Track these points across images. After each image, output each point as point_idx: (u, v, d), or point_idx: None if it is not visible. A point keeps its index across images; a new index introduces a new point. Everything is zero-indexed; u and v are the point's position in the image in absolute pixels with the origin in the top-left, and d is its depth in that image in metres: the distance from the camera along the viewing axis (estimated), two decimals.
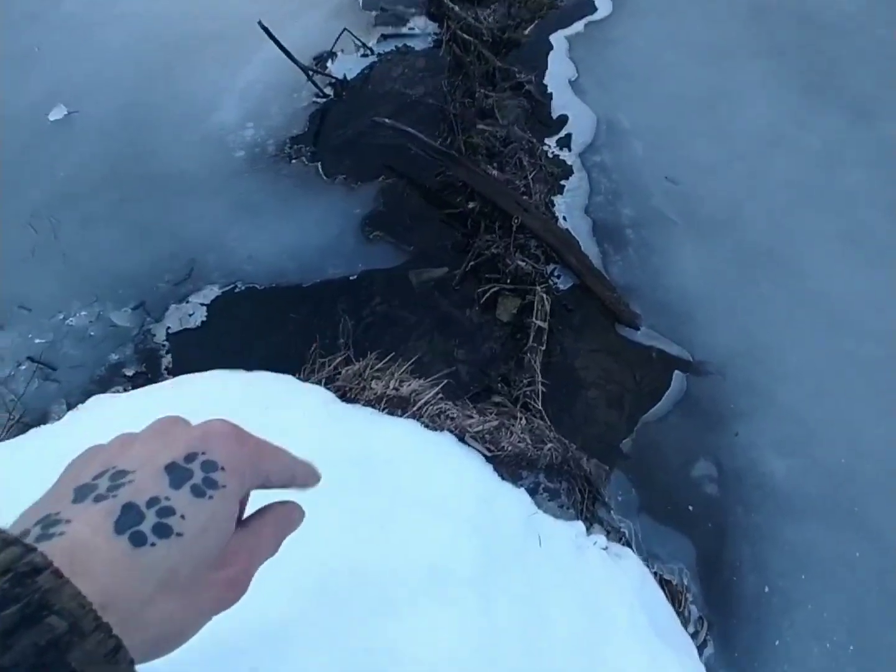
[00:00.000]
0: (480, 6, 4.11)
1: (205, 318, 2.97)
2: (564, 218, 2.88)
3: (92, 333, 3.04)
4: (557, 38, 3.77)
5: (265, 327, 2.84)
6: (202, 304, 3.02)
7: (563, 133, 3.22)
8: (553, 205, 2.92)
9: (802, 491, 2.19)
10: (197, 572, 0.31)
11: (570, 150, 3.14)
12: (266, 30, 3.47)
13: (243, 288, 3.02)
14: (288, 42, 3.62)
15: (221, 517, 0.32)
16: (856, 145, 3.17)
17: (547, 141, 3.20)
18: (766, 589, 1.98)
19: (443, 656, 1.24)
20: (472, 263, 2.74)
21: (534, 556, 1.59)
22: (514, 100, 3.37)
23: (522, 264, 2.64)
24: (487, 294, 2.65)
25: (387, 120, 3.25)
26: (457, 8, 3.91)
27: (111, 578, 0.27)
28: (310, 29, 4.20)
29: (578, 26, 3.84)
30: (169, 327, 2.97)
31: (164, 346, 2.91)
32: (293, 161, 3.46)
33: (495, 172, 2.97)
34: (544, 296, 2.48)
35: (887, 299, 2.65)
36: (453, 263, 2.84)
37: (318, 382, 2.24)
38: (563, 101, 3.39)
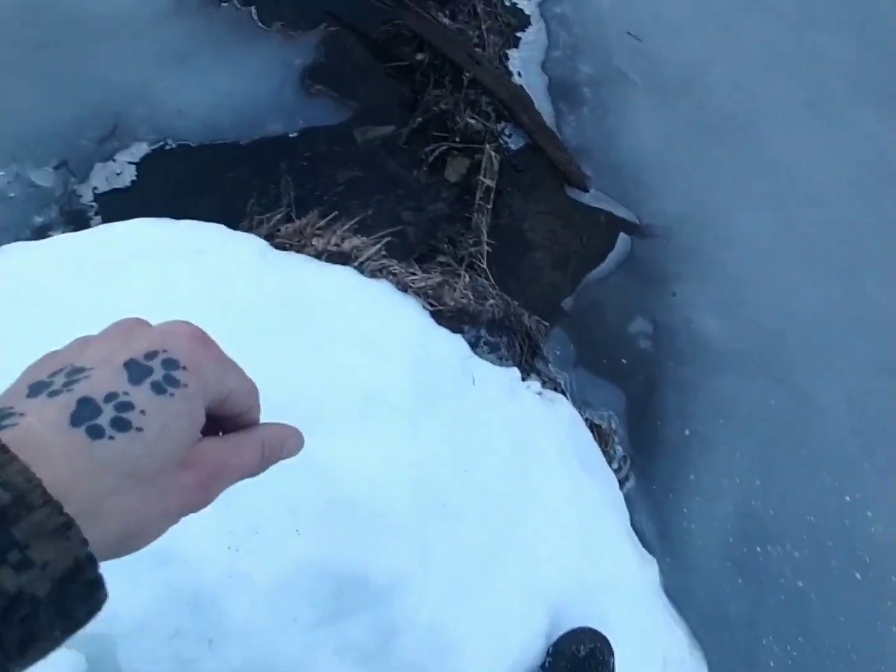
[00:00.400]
0: None
1: (134, 178, 2.79)
2: (519, 73, 2.73)
3: (12, 195, 2.83)
4: None
5: (200, 187, 2.69)
6: (130, 163, 2.82)
7: None
8: (507, 58, 2.75)
9: (732, 347, 2.31)
10: (159, 470, 0.30)
11: None
12: None
13: (175, 145, 2.82)
14: None
15: (184, 416, 0.31)
16: (831, 7, 3.04)
17: None
18: (687, 433, 2.14)
19: (375, 469, 1.30)
20: (419, 120, 2.60)
21: (468, 393, 1.65)
22: None
23: (472, 122, 2.53)
24: (436, 153, 2.55)
25: None
26: None
27: (66, 469, 0.26)
28: None
29: None
30: (96, 187, 2.78)
31: (91, 206, 2.74)
32: (223, 4, 3.12)
33: (447, 21, 2.75)
34: (493, 154, 2.40)
35: (837, 169, 2.67)
36: (401, 121, 2.69)
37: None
38: None
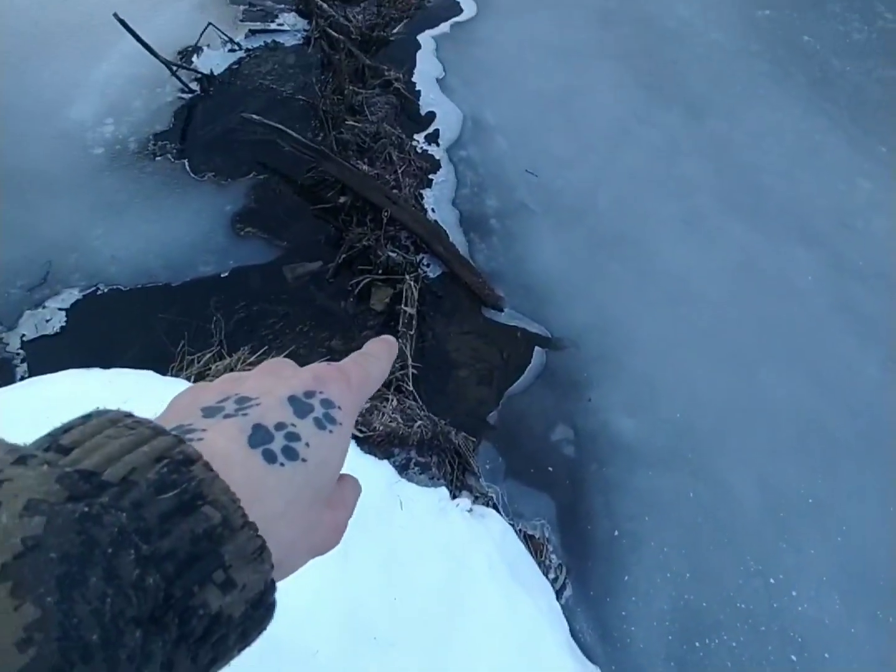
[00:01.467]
0: (350, 4, 4.25)
1: (64, 324, 2.89)
2: (433, 209, 3.08)
3: None
4: (425, 38, 3.99)
5: (131, 330, 2.81)
6: (60, 309, 2.93)
7: (431, 129, 3.43)
8: (422, 197, 3.11)
9: (648, 444, 2.52)
10: (314, 504, 0.31)
11: (437, 145, 3.35)
12: (122, 22, 3.41)
13: (106, 290, 2.96)
14: (150, 36, 3.57)
15: (339, 453, 0.32)
16: (691, 138, 3.63)
17: (416, 136, 3.39)
18: (616, 532, 2.27)
19: (305, 602, 1.36)
20: (344, 256, 2.87)
21: (396, 518, 1.75)
22: (384, 97, 3.53)
23: (393, 255, 2.81)
24: (361, 285, 2.79)
25: (255, 116, 3.30)
26: (325, 5, 4.02)
27: (248, 488, 0.26)
28: (173, 22, 4.13)
29: (445, 27, 4.08)
30: (24, 335, 2.86)
31: (18, 354, 2.79)
32: (157, 158, 3.41)
33: (366, 167, 3.12)
34: (412, 283, 2.66)
35: (717, 273, 3.08)
36: (327, 257, 2.95)
37: (187, 380, 2.27)
38: (430, 98, 3.60)
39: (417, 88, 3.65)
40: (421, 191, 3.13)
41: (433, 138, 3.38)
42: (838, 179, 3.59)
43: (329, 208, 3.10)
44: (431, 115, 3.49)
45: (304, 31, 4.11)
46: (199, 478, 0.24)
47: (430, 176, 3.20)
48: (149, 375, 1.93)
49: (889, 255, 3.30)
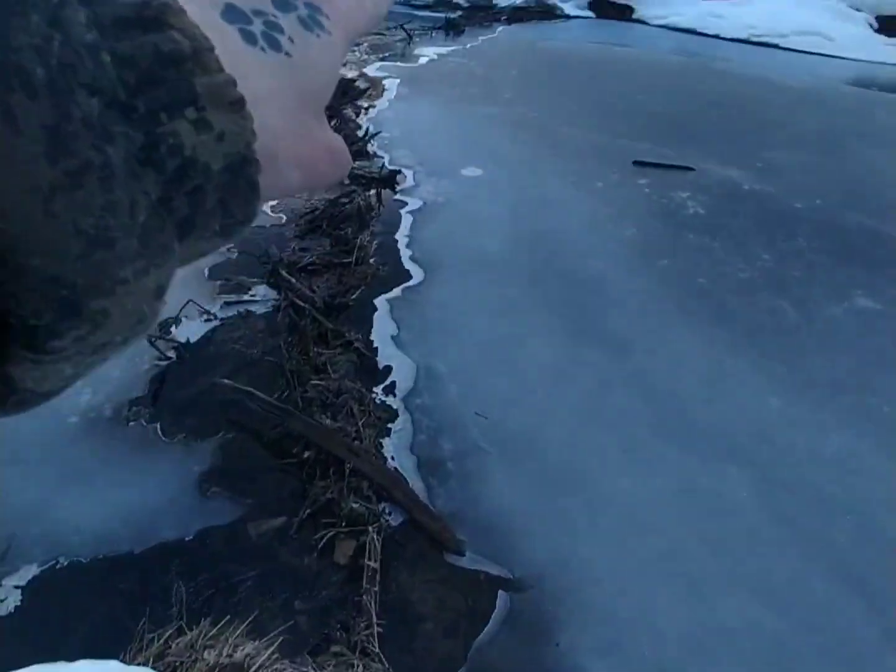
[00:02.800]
0: (314, 276, 5.05)
1: (19, 603, 2.85)
2: (392, 457, 3.38)
3: None
4: (381, 302, 4.71)
5: (90, 604, 2.80)
6: (17, 587, 2.91)
7: (388, 381, 3.90)
8: (382, 447, 3.43)
9: None
10: (302, 109, 0.27)
11: (395, 395, 3.79)
12: None
13: (66, 563, 3.00)
14: None
15: (329, 61, 0.28)
16: (618, 374, 4.20)
17: (375, 389, 3.84)
18: None
19: None
20: (308, 511, 3.05)
21: None
22: (345, 355, 4.06)
23: (356, 506, 3.01)
24: (325, 539, 2.93)
25: (227, 381, 3.72)
26: (293, 279, 4.77)
27: (224, 57, 0.22)
28: None
29: (398, 291, 4.85)
30: None
31: None
32: (131, 423, 3.71)
33: (328, 422, 3.47)
34: (375, 536, 2.83)
35: (660, 499, 3.36)
36: (292, 511, 3.12)
37: (146, 661, 2.26)
38: (387, 353, 4.15)
39: (375, 346, 4.21)
40: (381, 440, 3.46)
41: (390, 390, 3.82)
42: (751, 400, 4.13)
43: (294, 463, 3.36)
44: (388, 369, 3.99)
45: (274, 300, 4.79)
46: (164, 1, 0.20)
47: (389, 425, 3.57)
48: (111, 668, 1.95)
49: (812, 465, 3.69)
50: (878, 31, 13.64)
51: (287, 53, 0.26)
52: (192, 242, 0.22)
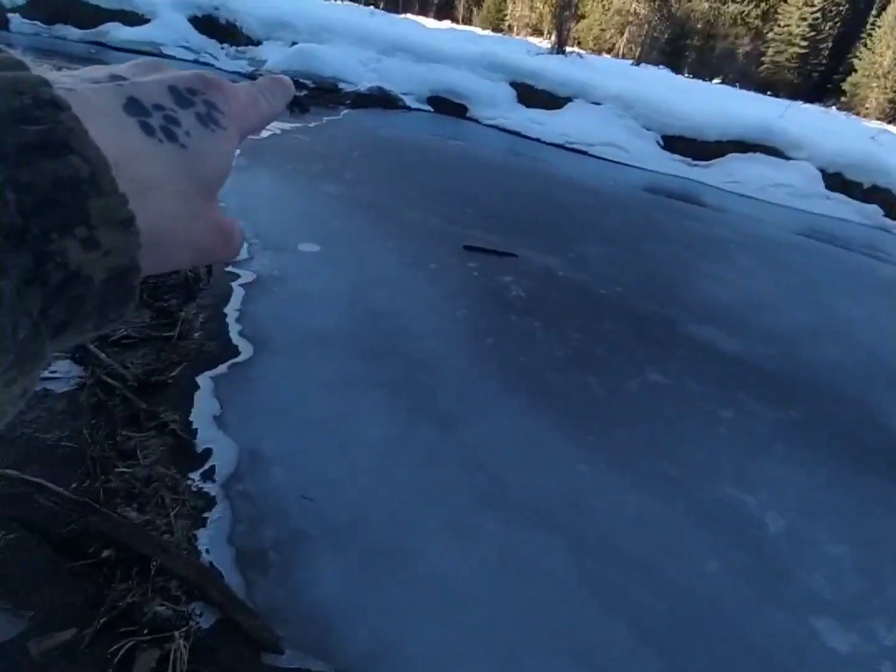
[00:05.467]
0: (129, 350, 4.73)
1: None
2: (207, 550, 3.21)
3: None
4: (203, 379, 4.54)
5: None
6: None
7: (207, 465, 3.73)
8: (196, 539, 3.24)
9: None
10: (196, 195, 0.29)
11: (214, 481, 3.63)
12: None
13: None
14: None
15: (223, 153, 0.31)
16: (445, 449, 4.43)
17: (191, 475, 3.64)
18: None
19: None
20: (104, 619, 2.76)
21: None
22: (159, 438, 3.82)
23: (162, 609, 2.79)
24: (122, 651, 2.67)
25: (10, 471, 3.30)
26: (103, 355, 4.43)
27: (122, 150, 0.25)
28: None
29: (223, 368, 4.72)
30: None
31: None
32: None
33: (134, 514, 3.22)
34: (182, 642, 2.64)
35: (481, 570, 3.55)
36: (84, 622, 2.80)
37: None
38: (207, 435, 3.98)
39: (195, 427, 4.03)
40: (195, 531, 3.27)
41: (209, 475, 3.66)
42: (562, 468, 4.58)
43: (90, 564, 3.04)
44: (208, 452, 3.83)
45: (79, 377, 4.40)
46: (68, 126, 0.22)
47: (206, 514, 3.39)
48: None
49: (613, 526, 4.16)
50: (664, 147, 16.60)
51: (182, 145, 0.29)
52: (65, 339, 0.24)
